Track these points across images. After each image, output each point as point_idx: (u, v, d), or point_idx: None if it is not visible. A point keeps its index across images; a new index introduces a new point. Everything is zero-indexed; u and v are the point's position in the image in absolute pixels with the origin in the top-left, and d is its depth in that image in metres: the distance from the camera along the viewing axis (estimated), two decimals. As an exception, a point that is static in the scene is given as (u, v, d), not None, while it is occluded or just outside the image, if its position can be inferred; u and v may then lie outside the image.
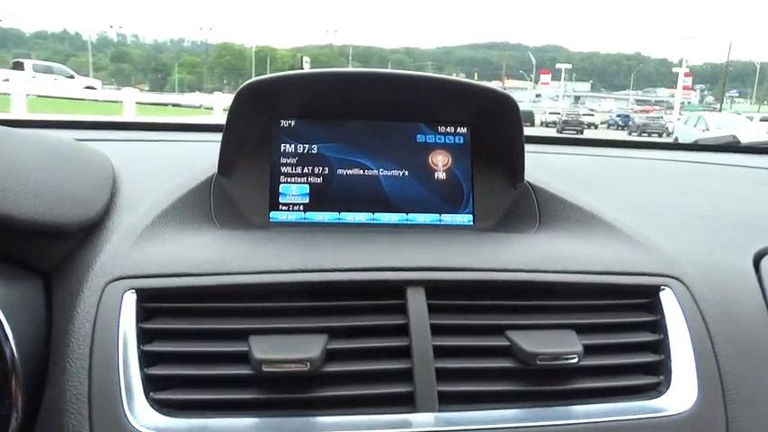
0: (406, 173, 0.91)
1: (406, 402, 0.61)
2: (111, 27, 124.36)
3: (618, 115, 45.35)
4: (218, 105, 11.87)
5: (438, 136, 0.93)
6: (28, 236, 0.61)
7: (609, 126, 42.34)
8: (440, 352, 0.63)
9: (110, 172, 0.78)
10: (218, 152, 0.83)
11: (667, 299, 0.70)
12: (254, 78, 0.81)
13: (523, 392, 0.64)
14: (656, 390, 0.66)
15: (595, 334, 0.67)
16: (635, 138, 24.55)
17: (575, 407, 0.63)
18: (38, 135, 0.71)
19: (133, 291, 0.61)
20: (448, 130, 0.94)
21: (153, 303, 0.62)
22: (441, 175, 0.92)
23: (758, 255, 0.79)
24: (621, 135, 33.10)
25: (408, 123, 0.92)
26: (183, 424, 0.57)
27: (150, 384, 0.58)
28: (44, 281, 0.65)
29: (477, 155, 0.93)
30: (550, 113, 42.11)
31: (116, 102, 11.27)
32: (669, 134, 26.13)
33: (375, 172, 0.90)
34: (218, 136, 0.83)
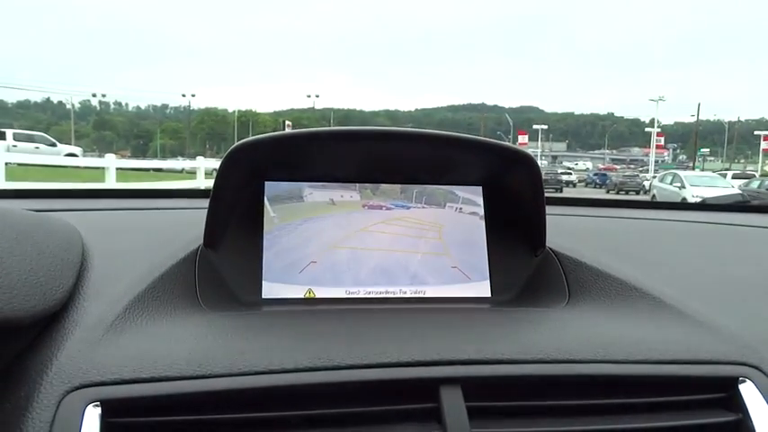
0: (416, 240, 0.82)
1: None
2: (95, 96, 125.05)
3: (595, 174, 46.37)
4: (200, 169, 11.88)
5: None
6: None
7: (587, 184, 43.18)
8: None
9: (77, 249, 0.66)
10: (204, 222, 0.73)
11: (749, 393, 0.58)
12: (244, 139, 0.73)
13: None
14: None
15: None
16: (622, 196, 24.90)
17: None
18: None
19: (97, 404, 0.49)
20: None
21: (123, 418, 0.49)
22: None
23: None
24: (599, 192, 33.75)
25: (414, 186, 0.84)
26: None
27: None
28: None
29: (491, 218, 0.84)
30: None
31: (98, 168, 11.21)
32: (646, 191, 26.67)
33: None
34: (204, 202, 0.73)
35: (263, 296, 0.77)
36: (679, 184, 17.17)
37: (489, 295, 0.81)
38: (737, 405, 0.58)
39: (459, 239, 0.83)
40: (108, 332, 0.56)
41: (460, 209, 0.85)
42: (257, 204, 0.80)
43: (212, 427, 0.51)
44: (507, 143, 0.83)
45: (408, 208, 0.83)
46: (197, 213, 0.77)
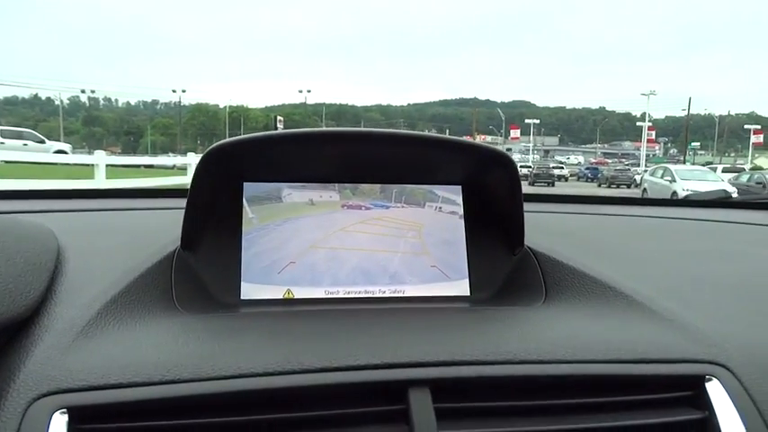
0: (395, 239, 0.82)
1: None
2: (84, 92, 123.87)
3: (587, 168, 46.63)
4: (191, 166, 11.85)
5: None
6: None
7: (579, 178, 43.39)
8: None
9: (51, 253, 0.65)
10: (181, 223, 0.73)
11: (715, 391, 0.58)
12: (222, 140, 0.73)
13: None
14: None
15: None
16: (612, 190, 25.02)
17: None
18: None
19: (64, 411, 0.48)
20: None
21: (91, 425, 0.49)
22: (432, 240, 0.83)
23: None
24: (591, 186, 33.92)
25: (394, 186, 0.84)
26: None
27: None
28: None
29: (471, 218, 0.85)
30: (521, 167, 43.10)
31: (88, 165, 11.13)
32: (637, 185, 26.83)
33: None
34: (183, 202, 0.73)
35: (242, 297, 0.76)
36: (670, 178, 17.27)
37: (468, 294, 0.81)
38: (704, 403, 0.58)
39: (439, 239, 0.83)
40: (78, 337, 0.55)
41: (440, 208, 0.85)
42: (236, 205, 0.80)
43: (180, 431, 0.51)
44: (485, 144, 0.84)
45: (388, 208, 0.83)
46: (177, 214, 0.76)
